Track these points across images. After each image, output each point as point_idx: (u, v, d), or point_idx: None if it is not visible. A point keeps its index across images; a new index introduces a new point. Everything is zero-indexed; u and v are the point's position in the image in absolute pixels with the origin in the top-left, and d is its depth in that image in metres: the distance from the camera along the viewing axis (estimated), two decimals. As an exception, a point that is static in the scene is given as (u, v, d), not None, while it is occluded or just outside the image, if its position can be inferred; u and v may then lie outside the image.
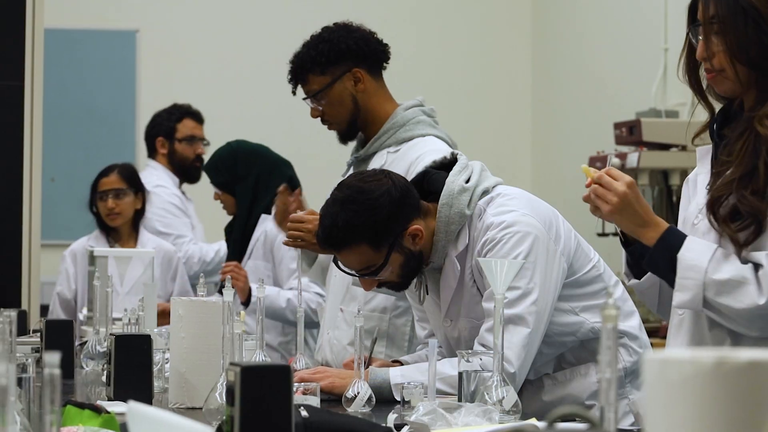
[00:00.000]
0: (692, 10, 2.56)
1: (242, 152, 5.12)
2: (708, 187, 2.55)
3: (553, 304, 3.04)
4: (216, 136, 7.90)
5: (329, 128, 3.79)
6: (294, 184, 5.04)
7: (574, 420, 1.93)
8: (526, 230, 3.00)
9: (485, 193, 3.11)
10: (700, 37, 2.50)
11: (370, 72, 3.73)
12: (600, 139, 6.90)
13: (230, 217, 5.24)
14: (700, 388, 1.18)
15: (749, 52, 2.46)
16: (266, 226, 5.00)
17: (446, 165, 3.18)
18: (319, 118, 3.77)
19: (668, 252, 2.47)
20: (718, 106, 2.61)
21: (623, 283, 2.95)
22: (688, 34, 2.56)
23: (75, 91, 7.89)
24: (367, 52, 3.72)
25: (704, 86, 2.58)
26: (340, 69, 3.69)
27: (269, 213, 5.00)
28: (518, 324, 2.96)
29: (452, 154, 3.22)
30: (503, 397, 2.48)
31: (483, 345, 2.94)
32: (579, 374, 3.14)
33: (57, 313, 5.57)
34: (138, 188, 5.68)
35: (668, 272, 2.48)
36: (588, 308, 3.10)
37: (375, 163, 3.67)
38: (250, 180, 5.06)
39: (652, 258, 2.51)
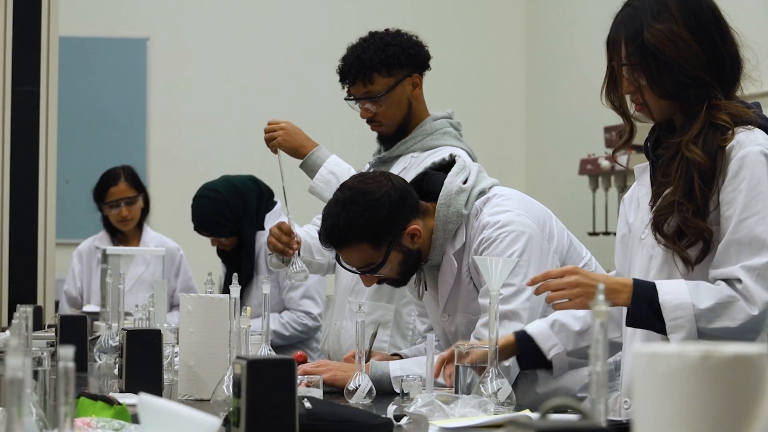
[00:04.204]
0: (609, 45, 2.57)
1: (228, 196, 4.93)
2: (651, 203, 2.56)
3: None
4: (223, 141, 7.92)
5: (376, 129, 3.76)
6: (270, 194, 5.03)
7: (566, 411, 1.93)
8: (520, 229, 3.00)
9: (482, 193, 3.11)
10: (623, 73, 2.53)
11: (421, 79, 3.76)
12: (591, 142, 6.90)
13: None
14: (687, 380, 1.17)
15: (665, 86, 2.48)
16: (261, 242, 4.97)
17: (445, 166, 3.18)
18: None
19: (647, 303, 2.46)
20: (642, 124, 2.64)
21: None
22: (609, 64, 2.58)
23: (88, 97, 7.89)
24: (424, 59, 3.75)
25: (626, 107, 2.60)
26: (403, 72, 3.70)
27: (263, 229, 4.98)
28: (513, 319, 2.96)
29: (450, 155, 3.22)
30: (498, 390, 2.48)
31: (479, 339, 2.94)
32: (571, 367, 3.14)
33: (65, 310, 5.58)
34: (142, 189, 5.69)
35: (654, 321, 2.47)
36: (580, 304, 3.10)
37: (399, 165, 3.68)
38: (250, 212, 4.98)
39: (634, 315, 2.49)
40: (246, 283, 4.94)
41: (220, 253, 5.12)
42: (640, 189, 2.64)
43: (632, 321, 2.50)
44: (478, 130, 8.15)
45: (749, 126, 2.48)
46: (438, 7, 8.29)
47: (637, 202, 2.64)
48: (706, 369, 1.17)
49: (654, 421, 1.19)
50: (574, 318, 2.85)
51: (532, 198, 3.19)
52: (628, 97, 2.58)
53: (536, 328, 2.86)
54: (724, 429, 1.17)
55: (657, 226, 2.49)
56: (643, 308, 2.46)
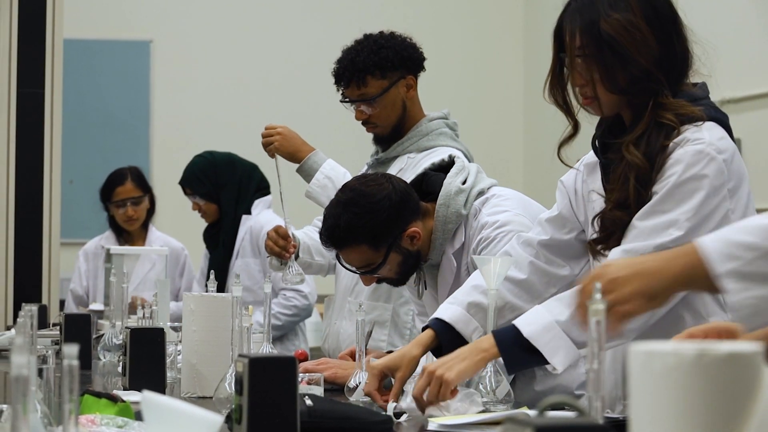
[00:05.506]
0: (558, 36, 2.48)
1: (220, 161, 5.12)
2: (600, 214, 2.47)
3: (543, 299, 3.04)
4: (225, 143, 7.91)
5: (371, 130, 3.77)
6: (265, 185, 5.11)
7: (563, 409, 1.93)
8: (518, 229, 3.00)
9: (481, 193, 3.11)
10: (575, 65, 2.43)
11: (416, 80, 3.76)
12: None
13: (201, 227, 5.25)
14: (683, 378, 1.18)
15: (617, 81, 2.37)
16: (248, 225, 5.03)
17: (444, 167, 3.18)
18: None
19: (515, 344, 2.38)
20: (586, 121, 2.54)
21: None
22: (557, 55, 2.49)
23: (92, 98, 7.89)
24: (418, 61, 3.75)
25: (570, 102, 2.51)
26: (396, 75, 3.70)
27: (249, 214, 5.03)
28: (511, 318, 2.96)
29: (450, 156, 3.22)
30: (497, 387, 2.48)
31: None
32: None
33: (70, 308, 5.59)
34: (148, 190, 5.71)
35: (530, 358, 2.39)
36: (577, 303, 3.09)
37: (396, 166, 3.69)
38: (233, 186, 5.07)
39: (512, 363, 2.40)
40: (223, 261, 4.99)
41: (205, 237, 5.16)
42: (593, 192, 2.56)
43: (513, 368, 2.42)
44: (477, 131, 8.15)
45: (697, 123, 2.37)
46: (437, 9, 8.29)
47: (589, 197, 2.58)
48: (701, 367, 1.18)
49: (650, 418, 1.19)
50: (483, 294, 2.63)
51: (530, 198, 3.19)
52: (574, 90, 2.47)
53: (453, 314, 2.66)
54: (718, 426, 1.17)
55: (608, 244, 2.38)
56: (515, 351, 2.38)
